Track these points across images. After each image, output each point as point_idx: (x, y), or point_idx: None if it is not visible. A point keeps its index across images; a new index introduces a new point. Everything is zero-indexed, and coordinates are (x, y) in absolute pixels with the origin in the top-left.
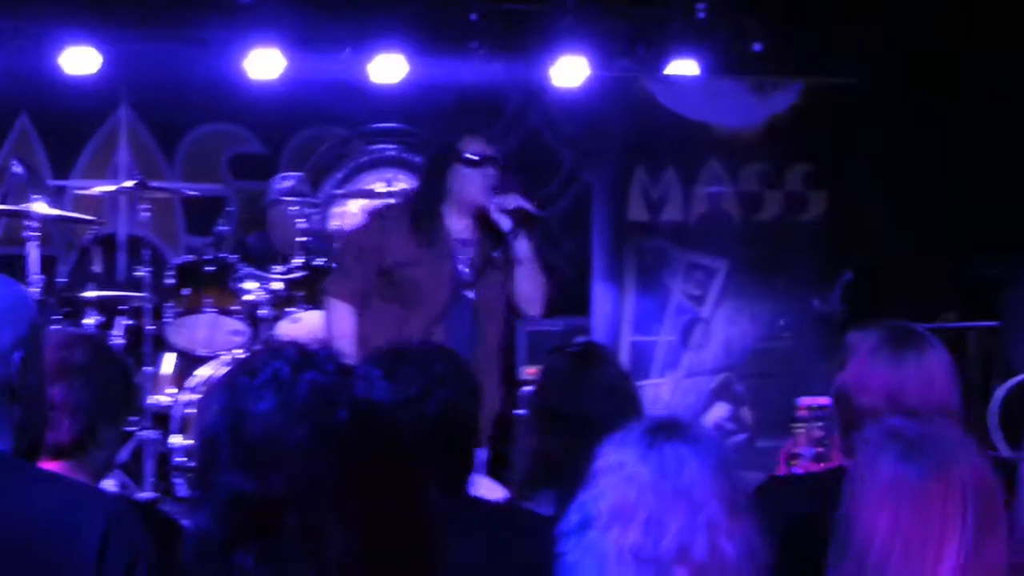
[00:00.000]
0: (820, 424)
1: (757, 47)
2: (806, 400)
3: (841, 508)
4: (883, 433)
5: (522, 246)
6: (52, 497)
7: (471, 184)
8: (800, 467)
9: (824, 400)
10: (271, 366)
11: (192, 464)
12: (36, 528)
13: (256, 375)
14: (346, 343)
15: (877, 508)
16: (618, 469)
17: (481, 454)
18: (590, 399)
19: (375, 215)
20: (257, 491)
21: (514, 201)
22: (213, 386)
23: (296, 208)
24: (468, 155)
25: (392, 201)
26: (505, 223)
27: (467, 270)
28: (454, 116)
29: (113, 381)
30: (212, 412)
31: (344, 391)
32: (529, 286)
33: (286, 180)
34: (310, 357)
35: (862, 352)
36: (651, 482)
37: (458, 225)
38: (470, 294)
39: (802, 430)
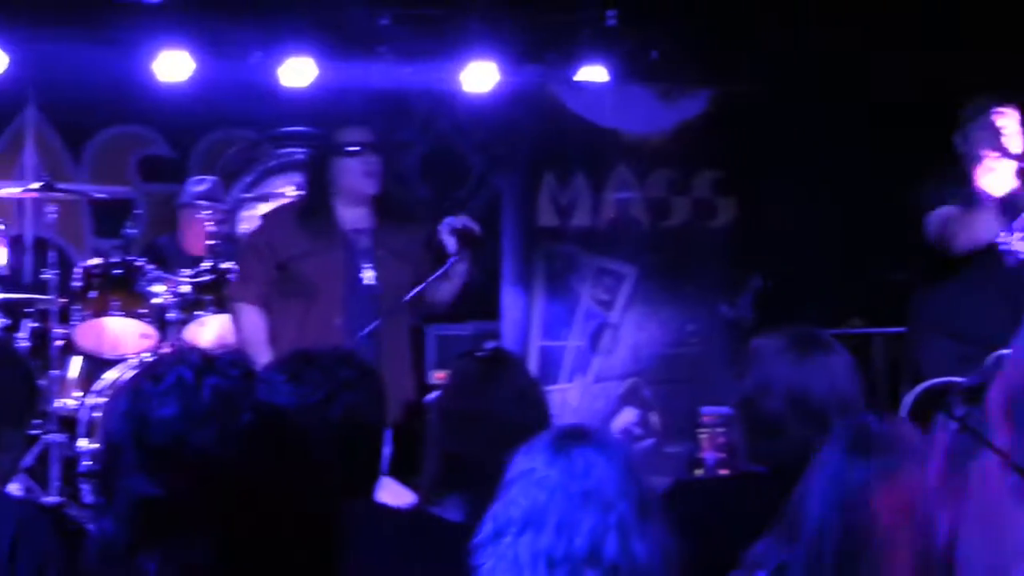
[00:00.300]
0: (723, 431)
1: (663, 54)
2: (709, 408)
3: (794, 495)
4: (843, 429)
5: (461, 268)
6: None
7: (352, 173)
8: (704, 473)
9: (726, 409)
10: (175, 372)
11: (98, 468)
12: None
13: (160, 381)
14: (257, 346)
15: (822, 499)
16: (528, 475)
17: (386, 449)
18: (498, 404)
19: (266, 215)
20: (161, 495)
21: (461, 222)
22: (119, 390)
23: (208, 212)
24: (346, 145)
25: (283, 201)
26: (451, 244)
27: (366, 261)
28: (363, 120)
29: (16, 384)
30: (116, 417)
31: (247, 395)
32: (447, 296)
33: (199, 184)
34: (213, 362)
35: (766, 357)
36: (561, 485)
37: (351, 216)
38: (371, 283)
39: (706, 437)
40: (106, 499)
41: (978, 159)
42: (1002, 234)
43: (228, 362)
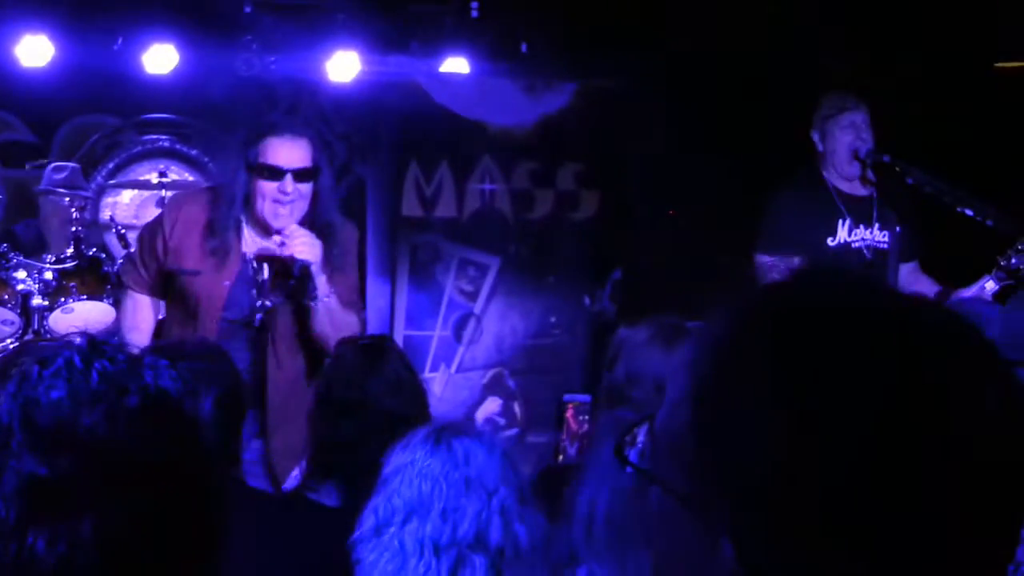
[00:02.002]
0: (584, 419)
1: (528, 48)
2: (571, 396)
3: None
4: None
5: (321, 283)
6: None
7: (261, 198)
8: (566, 458)
9: (586, 397)
10: (62, 356)
11: None
12: None
13: (48, 365)
14: (131, 333)
15: (596, 487)
16: (409, 467)
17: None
18: (377, 392)
19: (173, 210)
20: (48, 475)
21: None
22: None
23: (68, 200)
24: (260, 161)
25: (196, 194)
26: (294, 271)
27: (264, 299)
28: (227, 108)
29: None
30: (4, 400)
31: (134, 379)
32: (328, 329)
33: (62, 171)
34: (100, 347)
35: (633, 347)
36: (443, 474)
37: (255, 242)
38: (256, 321)
39: (567, 425)
40: None
41: (833, 156)
42: (856, 231)
43: (115, 347)
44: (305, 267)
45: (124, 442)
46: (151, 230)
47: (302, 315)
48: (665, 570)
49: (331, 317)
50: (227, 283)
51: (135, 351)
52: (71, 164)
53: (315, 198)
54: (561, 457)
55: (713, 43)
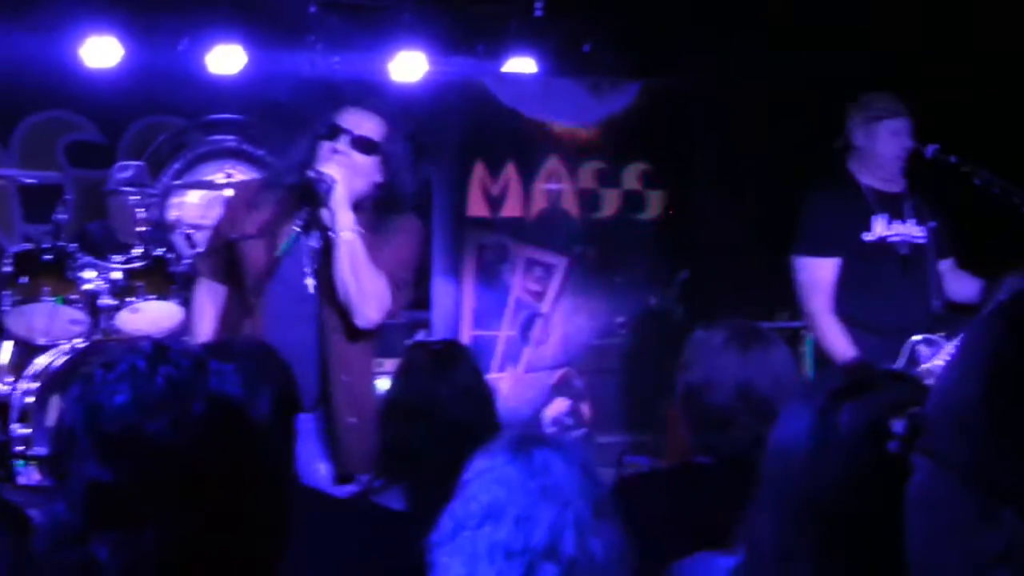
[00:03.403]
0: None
1: (593, 47)
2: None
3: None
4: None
5: (342, 219)
6: None
7: (318, 161)
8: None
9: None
10: (127, 360)
11: (33, 452)
12: None
13: (112, 368)
14: (197, 321)
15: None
16: (487, 473)
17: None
18: (446, 398)
19: (239, 189)
20: (112, 481)
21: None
22: (55, 376)
23: (135, 198)
24: (332, 132)
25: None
26: (319, 188)
27: (311, 265)
28: (292, 108)
29: None
30: (69, 403)
31: (199, 385)
32: (348, 274)
33: (126, 169)
34: (166, 351)
35: (709, 350)
36: (520, 481)
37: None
38: (309, 286)
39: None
40: (58, 484)
41: (875, 157)
42: (893, 225)
43: (179, 352)
44: (326, 181)
45: (189, 449)
46: (223, 212)
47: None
48: (928, 550)
49: (353, 261)
50: (279, 245)
51: (199, 354)
52: (136, 163)
53: (385, 186)
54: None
55: (782, 40)
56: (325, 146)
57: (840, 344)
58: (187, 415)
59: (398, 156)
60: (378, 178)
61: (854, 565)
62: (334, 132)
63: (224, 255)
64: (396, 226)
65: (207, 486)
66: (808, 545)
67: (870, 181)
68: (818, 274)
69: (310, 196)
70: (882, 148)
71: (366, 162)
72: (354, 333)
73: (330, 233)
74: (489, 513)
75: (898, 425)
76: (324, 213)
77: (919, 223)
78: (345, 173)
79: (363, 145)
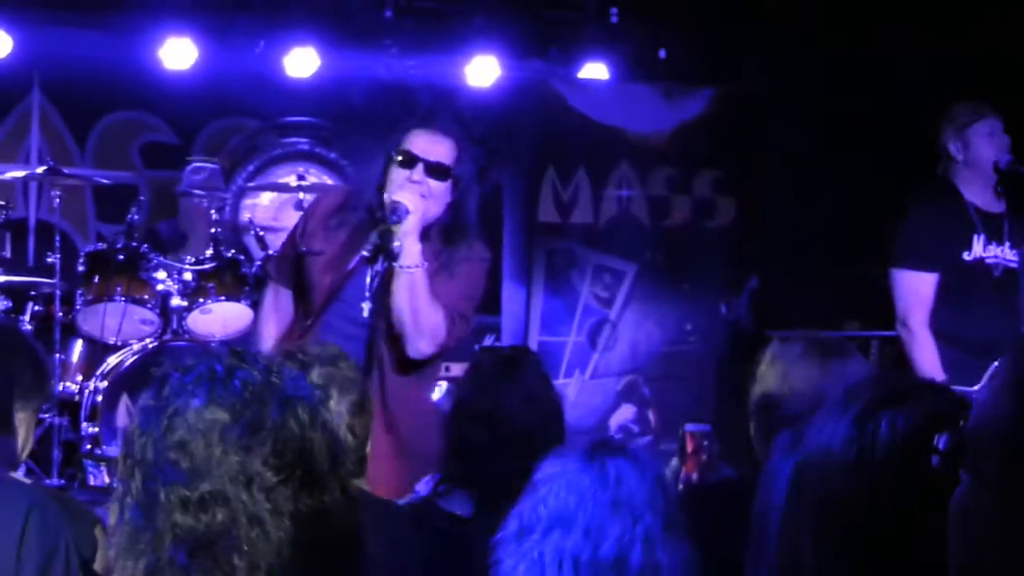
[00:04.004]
0: (704, 448)
1: (667, 53)
2: (692, 426)
3: (756, 507)
4: (791, 438)
5: (408, 250)
6: None
7: (392, 187)
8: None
9: (707, 427)
10: (204, 364)
11: (101, 451)
12: None
13: (189, 372)
14: (264, 325)
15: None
16: (559, 478)
17: None
18: (511, 405)
19: (316, 199)
20: (187, 486)
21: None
22: (125, 376)
23: (207, 200)
24: (400, 149)
25: (341, 188)
26: (390, 216)
27: (368, 286)
28: (366, 112)
29: (27, 369)
30: (144, 407)
31: (275, 390)
32: (404, 305)
33: (200, 171)
34: (242, 356)
35: (787, 362)
36: (591, 491)
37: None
38: (365, 309)
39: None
40: (130, 487)
41: (975, 165)
42: (990, 247)
43: (255, 356)
44: (399, 210)
45: (266, 455)
46: (298, 221)
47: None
48: (968, 560)
49: (411, 294)
50: (347, 267)
51: (274, 359)
52: (210, 165)
53: (454, 207)
54: (680, 486)
55: (862, 45)
56: (400, 173)
57: (931, 361)
58: (263, 419)
59: (467, 178)
60: (447, 200)
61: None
62: (409, 160)
63: (293, 265)
64: (463, 256)
65: (283, 490)
66: (846, 555)
67: (972, 197)
68: (919, 288)
69: (382, 223)
70: (977, 152)
71: (439, 187)
72: (403, 363)
73: (395, 264)
74: (558, 520)
75: (941, 440)
76: (392, 241)
77: (1013, 246)
78: (419, 203)
79: (437, 172)
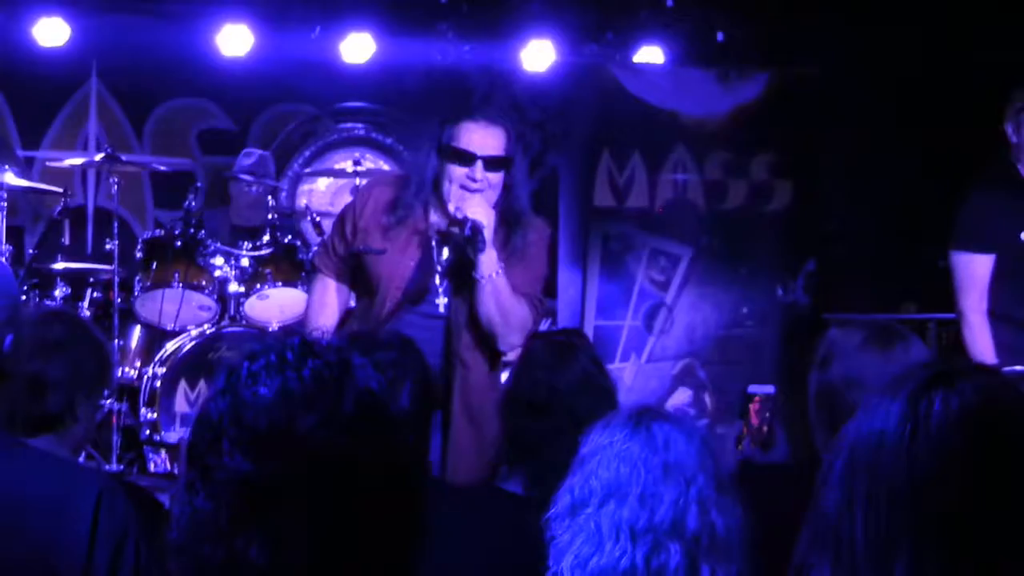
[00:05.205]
0: (767, 414)
1: (722, 37)
2: (756, 388)
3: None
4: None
5: (487, 261)
6: (44, 473)
7: (449, 182)
8: (745, 450)
9: (771, 389)
10: (274, 352)
11: (160, 437)
12: (28, 504)
13: (257, 360)
14: (315, 318)
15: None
16: (607, 449)
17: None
18: (564, 390)
19: (365, 192)
20: (259, 477)
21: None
22: (183, 362)
23: (255, 186)
24: (452, 144)
25: (389, 178)
26: (464, 231)
27: (438, 279)
28: (421, 97)
29: (90, 356)
30: (213, 394)
31: (348, 382)
32: (492, 310)
33: (250, 156)
34: (313, 345)
35: (847, 350)
36: (642, 458)
37: (441, 223)
38: (440, 305)
39: (749, 419)
40: (200, 476)
41: None
42: None
43: (326, 345)
44: (476, 227)
45: (338, 446)
46: (344, 214)
47: (473, 297)
48: None
49: (497, 299)
50: (411, 263)
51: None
52: (260, 151)
53: (506, 190)
54: (741, 448)
55: (913, 28)
56: (457, 169)
57: (983, 343)
58: (335, 411)
59: (518, 163)
60: (502, 185)
61: (950, 554)
62: (466, 157)
63: (345, 260)
64: (527, 239)
65: (350, 479)
66: (903, 536)
67: None
68: (974, 270)
69: (460, 242)
70: None
71: (496, 178)
72: (485, 357)
73: (474, 274)
74: (612, 491)
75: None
76: (470, 257)
77: None
78: (490, 215)
79: (495, 165)
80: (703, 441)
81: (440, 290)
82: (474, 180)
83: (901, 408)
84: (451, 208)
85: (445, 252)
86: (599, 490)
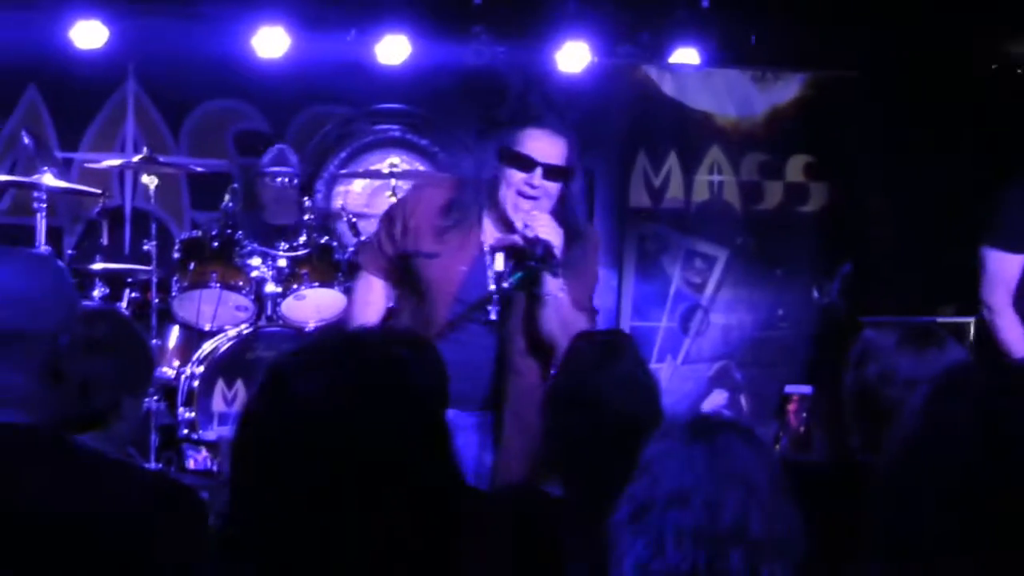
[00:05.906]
0: (804, 414)
1: (759, 38)
2: (793, 388)
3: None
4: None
5: (553, 280)
6: (102, 475)
7: (506, 186)
8: (782, 450)
9: (809, 389)
10: (321, 349)
11: (198, 436)
12: (87, 505)
13: (304, 356)
14: (366, 317)
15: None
16: (670, 456)
17: None
18: (609, 390)
19: (417, 193)
20: (304, 471)
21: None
22: (220, 361)
23: (279, 179)
24: (514, 148)
25: (442, 180)
26: (536, 250)
27: (493, 288)
28: (457, 98)
29: (135, 355)
30: (261, 391)
31: (392, 375)
32: (555, 326)
33: (269, 152)
34: (358, 342)
35: (883, 351)
36: (705, 465)
37: (493, 233)
38: (492, 314)
39: (787, 418)
40: (244, 472)
41: None
42: None
43: (369, 344)
44: (548, 247)
45: (384, 440)
46: (393, 212)
47: (534, 311)
48: None
49: (559, 315)
50: (463, 268)
51: (386, 344)
52: (279, 144)
53: (563, 200)
54: (778, 448)
55: (952, 31)
56: (516, 175)
57: (1018, 340)
58: (384, 406)
59: (578, 176)
60: (558, 195)
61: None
62: (527, 164)
63: (393, 261)
64: (581, 251)
65: (400, 478)
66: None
67: None
68: (1006, 269)
69: (531, 261)
70: None
71: (554, 187)
72: (538, 367)
73: (539, 291)
74: (674, 497)
75: None
76: (540, 275)
77: None
78: (555, 229)
79: (555, 174)
80: (762, 447)
81: (494, 298)
82: (532, 187)
83: (971, 413)
84: (518, 225)
85: (499, 260)
86: (662, 497)
